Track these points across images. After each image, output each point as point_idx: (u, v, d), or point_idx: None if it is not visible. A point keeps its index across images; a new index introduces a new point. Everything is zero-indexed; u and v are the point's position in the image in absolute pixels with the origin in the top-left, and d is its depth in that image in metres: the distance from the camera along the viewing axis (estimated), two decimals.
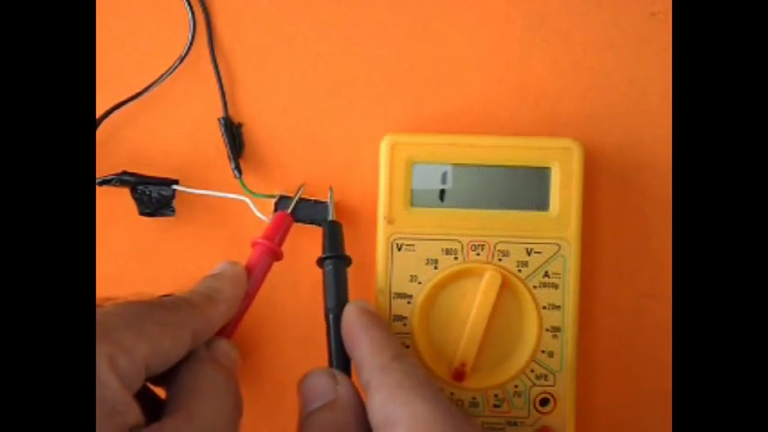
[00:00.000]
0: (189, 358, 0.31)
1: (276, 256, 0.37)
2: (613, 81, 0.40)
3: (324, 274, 0.37)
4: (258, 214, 0.39)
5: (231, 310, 0.34)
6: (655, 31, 0.40)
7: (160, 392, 0.32)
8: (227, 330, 0.35)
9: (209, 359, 0.32)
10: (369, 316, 0.35)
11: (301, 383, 0.34)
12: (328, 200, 0.39)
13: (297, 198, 0.39)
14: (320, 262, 0.37)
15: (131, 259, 0.40)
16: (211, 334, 0.33)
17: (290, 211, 0.39)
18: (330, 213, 0.39)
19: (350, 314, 0.35)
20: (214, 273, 0.35)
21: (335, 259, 0.37)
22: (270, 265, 0.37)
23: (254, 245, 0.37)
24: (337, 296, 0.36)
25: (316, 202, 0.39)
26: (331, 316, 0.36)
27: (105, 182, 0.39)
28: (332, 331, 0.36)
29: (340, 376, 0.34)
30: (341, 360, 0.35)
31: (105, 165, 0.40)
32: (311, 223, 0.39)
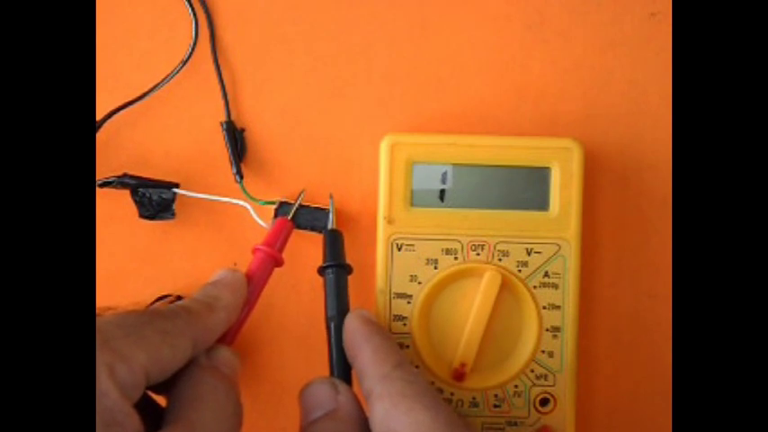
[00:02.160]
0: (189, 366, 0.31)
1: (277, 262, 0.37)
2: (613, 81, 0.40)
3: (325, 282, 0.37)
4: (258, 220, 0.39)
5: (231, 318, 0.34)
6: (655, 31, 0.40)
7: (161, 401, 0.32)
8: (227, 337, 0.35)
9: (209, 367, 0.32)
10: (370, 325, 0.35)
11: (302, 393, 0.34)
12: (329, 207, 0.39)
13: (297, 204, 0.39)
14: (321, 271, 0.37)
15: (131, 261, 0.40)
16: (211, 341, 0.33)
17: (290, 217, 0.39)
18: (331, 222, 0.39)
19: (351, 323, 0.35)
20: (213, 280, 0.35)
21: (336, 268, 0.37)
22: (270, 272, 0.37)
23: (254, 251, 0.37)
24: (338, 304, 0.36)
25: (316, 208, 0.39)
26: (332, 324, 0.36)
27: (106, 184, 0.39)
28: (333, 340, 0.36)
29: (341, 385, 0.34)
30: (342, 369, 0.35)
31: (106, 167, 0.40)
32: (312, 230, 0.39)
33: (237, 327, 0.35)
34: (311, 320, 0.39)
